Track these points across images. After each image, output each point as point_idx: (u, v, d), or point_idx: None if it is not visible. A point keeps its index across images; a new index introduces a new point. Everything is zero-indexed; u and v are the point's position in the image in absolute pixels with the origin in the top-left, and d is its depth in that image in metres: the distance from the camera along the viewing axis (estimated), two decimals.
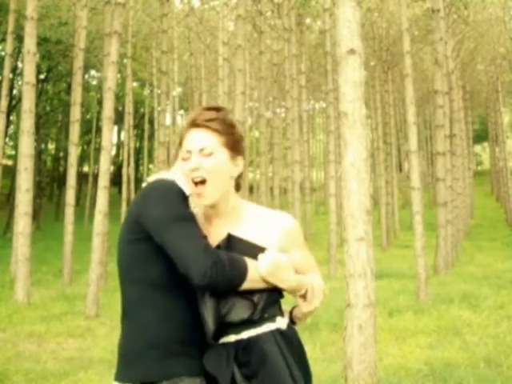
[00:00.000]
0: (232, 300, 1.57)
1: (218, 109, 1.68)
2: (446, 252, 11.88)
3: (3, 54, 21.17)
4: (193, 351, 1.59)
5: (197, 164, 1.59)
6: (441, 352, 5.43)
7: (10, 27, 12.97)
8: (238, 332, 1.58)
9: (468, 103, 26.14)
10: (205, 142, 1.60)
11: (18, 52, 23.74)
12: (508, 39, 20.18)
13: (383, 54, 21.10)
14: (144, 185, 1.69)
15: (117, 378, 1.60)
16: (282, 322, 1.63)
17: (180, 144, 1.66)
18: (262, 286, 1.57)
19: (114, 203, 17.42)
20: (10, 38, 13.01)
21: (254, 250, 1.58)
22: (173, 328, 1.57)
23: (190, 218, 1.56)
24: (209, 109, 1.67)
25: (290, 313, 1.72)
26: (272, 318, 1.61)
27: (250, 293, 1.57)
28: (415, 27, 20.59)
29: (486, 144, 47.52)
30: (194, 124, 1.62)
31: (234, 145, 1.64)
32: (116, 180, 33.57)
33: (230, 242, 1.60)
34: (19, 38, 17.08)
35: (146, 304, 1.58)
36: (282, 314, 1.67)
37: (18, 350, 5.89)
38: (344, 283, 4.05)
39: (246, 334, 1.58)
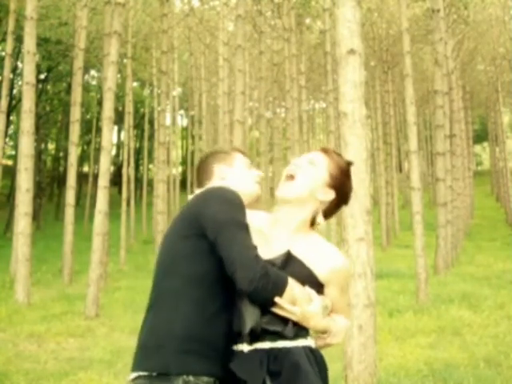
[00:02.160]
0: (269, 311, 1.60)
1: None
2: (446, 252, 11.88)
3: (3, 54, 21.16)
4: (215, 355, 1.59)
5: (296, 161, 1.78)
6: (441, 352, 5.43)
7: (10, 27, 12.97)
8: (273, 340, 1.61)
9: (468, 103, 26.13)
10: (316, 158, 1.77)
11: (17, 52, 23.74)
12: (508, 39, 20.16)
13: (383, 54, 21.10)
14: (205, 188, 1.78)
15: (133, 369, 1.60)
16: (312, 342, 1.67)
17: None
18: (286, 314, 1.60)
19: (114, 203, 17.44)
20: (10, 38, 13.01)
21: (306, 275, 1.65)
22: (201, 326, 1.58)
23: (247, 228, 1.63)
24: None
25: None
26: (304, 335, 1.64)
27: None
28: (415, 27, 20.56)
29: (486, 144, 47.51)
30: (322, 150, 1.82)
31: (337, 182, 1.77)
32: (116, 180, 33.56)
33: (287, 258, 1.66)
34: (19, 38, 17.06)
35: (179, 298, 1.60)
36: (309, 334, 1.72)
37: (17, 350, 5.89)
38: None
39: (281, 344, 1.60)
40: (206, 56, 23.80)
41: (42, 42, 20.12)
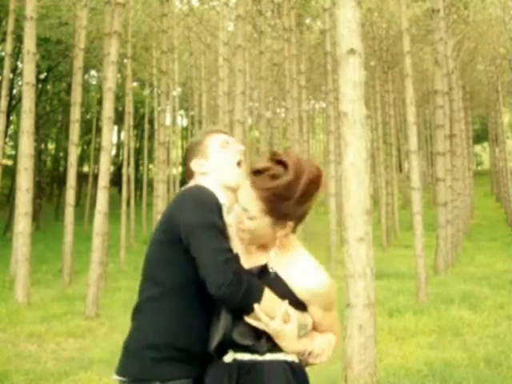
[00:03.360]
0: (242, 322, 1.55)
1: (280, 163, 1.55)
2: (446, 252, 11.88)
3: (3, 54, 21.16)
4: (194, 360, 1.62)
5: (240, 223, 1.59)
6: (441, 352, 5.43)
7: (10, 27, 12.96)
8: (250, 352, 1.56)
9: (468, 103, 26.12)
10: (248, 205, 1.55)
11: (17, 52, 23.73)
12: (508, 39, 20.16)
13: (383, 54, 21.10)
14: (182, 189, 1.73)
15: (116, 372, 1.66)
16: (290, 357, 1.59)
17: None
18: (263, 327, 1.53)
19: (114, 203, 17.42)
20: (9, 38, 13.00)
21: (283, 290, 1.57)
22: (177, 335, 1.61)
23: (222, 229, 1.58)
24: (269, 166, 1.54)
25: None
26: (279, 349, 1.57)
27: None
28: (415, 27, 20.56)
29: (486, 144, 47.50)
30: (251, 175, 1.56)
31: (281, 216, 1.55)
32: (116, 180, 33.54)
33: (263, 271, 1.59)
34: (19, 38, 17.06)
35: (156, 306, 1.63)
36: None
37: (18, 350, 5.89)
38: (344, 283, 4.05)
39: (257, 357, 1.56)
40: (206, 56, 23.81)
41: (41, 41, 20.12)
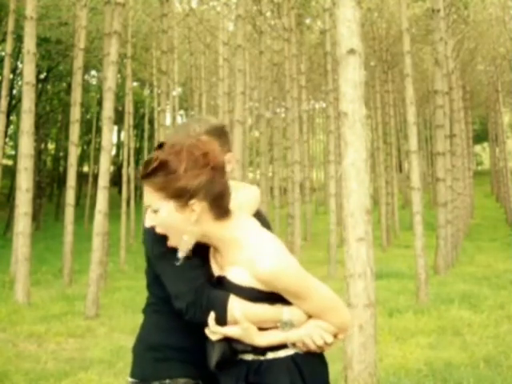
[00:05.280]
0: None
1: (159, 148, 1.51)
2: (446, 252, 11.88)
3: (3, 54, 21.15)
4: (193, 358, 1.64)
5: (149, 222, 1.55)
6: (441, 352, 5.43)
7: (10, 27, 12.96)
8: (255, 352, 1.53)
9: (468, 103, 26.12)
10: (148, 199, 1.52)
11: (18, 52, 23.74)
12: (508, 39, 20.16)
13: (383, 54, 21.09)
14: None
15: (129, 374, 1.73)
16: (292, 351, 1.54)
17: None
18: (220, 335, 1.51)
19: (113, 203, 17.42)
20: (9, 38, 13.00)
21: (250, 294, 1.49)
22: (176, 336, 1.66)
23: (172, 255, 1.54)
24: (151, 154, 1.51)
25: None
26: (282, 347, 1.53)
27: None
28: (415, 27, 20.57)
29: (486, 144, 47.50)
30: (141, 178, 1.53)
31: (178, 193, 1.47)
32: (116, 180, 33.56)
33: (220, 282, 1.55)
34: (19, 38, 17.07)
35: (156, 310, 1.72)
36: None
37: (18, 350, 5.88)
38: (344, 283, 4.05)
39: (252, 357, 1.54)
40: (206, 56, 23.81)
41: (41, 41, 20.11)
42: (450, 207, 12.94)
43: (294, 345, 1.53)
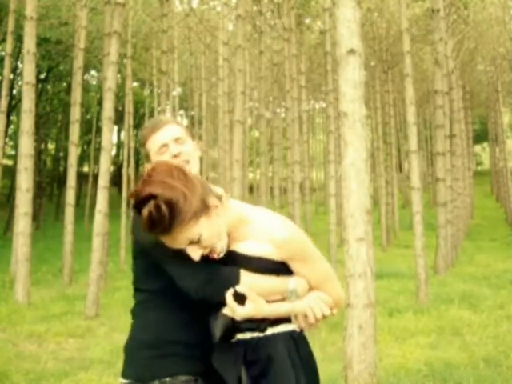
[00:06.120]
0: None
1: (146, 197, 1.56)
2: (446, 252, 11.88)
3: (3, 54, 21.16)
4: (191, 352, 1.62)
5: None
6: (441, 352, 5.43)
7: (10, 27, 12.96)
8: (245, 332, 1.60)
9: (468, 103, 26.12)
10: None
11: (18, 52, 23.72)
12: (508, 39, 20.15)
13: (383, 54, 21.09)
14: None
15: (121, 374, 1.69)
16: (291, 327, 1.63)
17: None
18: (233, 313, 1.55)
19: (114, 203, 17.43)
20: (9, 38, 13.00)
21: (259, 264, 1.58)
22: (171, 329, 1.62)
23: None
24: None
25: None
26: (281, 322, 1.61)
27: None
28: (415, 27, 20.57)
29: (485, 144, 47.49)
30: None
31: (199, 209, 1.52)
32: (116, 180, 33.54)
33: (233, 258, 1.60)
34: (19, 38, 17.06)
35: (148, 306, 1.68)
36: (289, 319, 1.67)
37: (18, 350, 5.88)
38: (344, 283, 4.05)
39: (250, 335, 1.59)
40: (206, 56, 23.79)
41: (42, 41, 20.10)
42: (450, 207, 12.94)
43: (295, 317, 1.62)
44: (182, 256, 1.54)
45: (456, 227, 15.08)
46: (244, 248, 1.60)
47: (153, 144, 1.77)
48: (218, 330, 1.56)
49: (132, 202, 1.50)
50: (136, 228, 1.65)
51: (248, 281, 1.54)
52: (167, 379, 1.57)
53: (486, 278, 11.05)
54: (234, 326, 1.57)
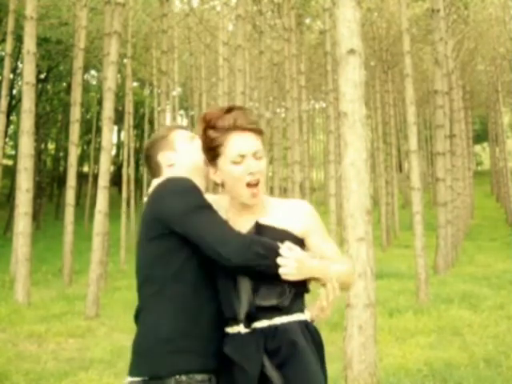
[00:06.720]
0: (263, 286, 1.59)
1: (242, 108, 1.70)
2: (446, 252, 11.88)
3: (3, 54, 21.15)
4: (206, 349, 1.59)
5: (256, 167, 1.64)
6: (441, 352, 5.43)
7: (10, 27, 12.97)
8: (270, 317, 1.59)
9: (468, 103, 26.12)
10: (257, 145, 1.66)
11: (18, 52, 23.73)
12: (508, 39, 20.16)
13: (383, 54, 21.09)
14: (155, 185, 1.70)
15: (129, 373, 1.62)
16: (308, 316, 1.66)
17: (212, 149, 1.67)
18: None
19: (114, 203, 17.43)
20: (9, 38, 13.00)
21: (283, 235, 1.62)
22: (188, 323, 1.58)
23: (210, 207, 1.61)
24: (236, 109, 1.67)
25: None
26: (300, 309, 1.64)
27: (280, 281, 1.56)
28: (415, 27, 20.57)
29: (485, 144, 47.49)
30: (239, 128, 1.64)
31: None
32: (116, 180, 33.52)
33: (259, 229, 1.64)
34: (19, 38, 17.05)
35: (163, 299, 1.60)
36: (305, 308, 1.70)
37: (18, 350, 5.88)
38: None
39: (278, 320, 1.59)
40: (206, 56, 23.79)
41: (42, 41, 20.10)
42: (450, 207, 12.94)
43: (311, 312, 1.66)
44: (221, 222, 1.56)
45: (456, 227, 15.08)
46: (270, 220, 1.67)
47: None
48: (242, 309, 1.57)
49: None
50: (166, 199, 1.61)
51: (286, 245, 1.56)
52: (183, 378, 1.53)
53: (486, 278, 11.05)
54: (255, 307, 1.57)
